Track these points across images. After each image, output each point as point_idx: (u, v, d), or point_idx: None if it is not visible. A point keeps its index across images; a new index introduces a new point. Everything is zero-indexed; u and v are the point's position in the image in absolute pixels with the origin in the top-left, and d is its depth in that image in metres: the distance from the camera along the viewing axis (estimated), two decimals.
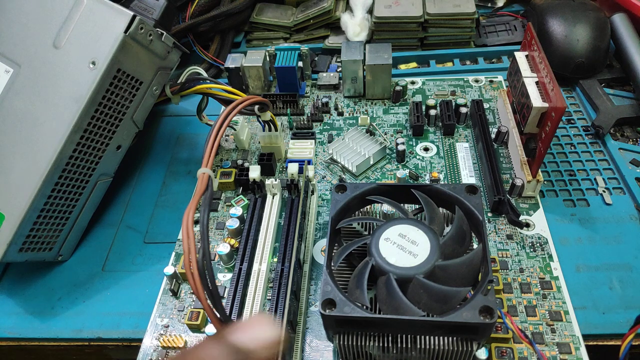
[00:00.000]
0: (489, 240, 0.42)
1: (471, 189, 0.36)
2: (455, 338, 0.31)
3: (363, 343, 0.31)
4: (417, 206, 0.38)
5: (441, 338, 0.31)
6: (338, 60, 0.63)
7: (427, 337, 0.31)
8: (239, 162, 0.50)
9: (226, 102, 0.46)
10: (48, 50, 0.40)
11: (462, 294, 0.30)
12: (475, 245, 0.36)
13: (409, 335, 0.31)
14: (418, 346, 0.31)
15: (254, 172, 0.44)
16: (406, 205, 0.38)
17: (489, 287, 0.30)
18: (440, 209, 0.37)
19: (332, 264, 0.34)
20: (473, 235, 0.35)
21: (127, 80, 0.42)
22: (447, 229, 0.35)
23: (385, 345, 0.31)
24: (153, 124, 0.57)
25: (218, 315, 0.27)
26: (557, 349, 0.35)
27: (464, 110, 0.51)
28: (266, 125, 0.48)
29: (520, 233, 0.42)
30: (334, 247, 0.36)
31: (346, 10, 0.64)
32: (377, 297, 0.32)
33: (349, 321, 0.30)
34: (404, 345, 0.31)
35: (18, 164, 0.40)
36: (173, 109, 0.59)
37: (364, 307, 0.31)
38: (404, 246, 0.33)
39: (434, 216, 0.35)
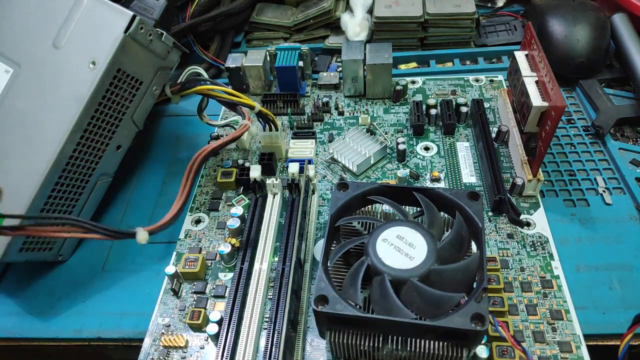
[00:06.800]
0: (489, 239, 0.42)
1: (473, 195, 0.35)
2: (445, 343, 0.31)
3: (354, 341, 0.31)
4: (418, 209, 0.38)
5: (431, 342, 0.31)
6: (338, 60, 0.63)
7: (418, 340, 0.31)
8: (240, 161, 0.50)
9: (226, 103, 0.46)
10: (48, 50, 0.40)
11: (455, 300, 0.30)
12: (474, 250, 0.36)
13: (399, 337, 0.31)
14: (408, 348, 0.31)
15: (255, 172, 0.44)
16: (407, 208, 0.38)
17: (482, 295, 0.30)
18: (441, 212, 0.37)
19: (329, 262, 0.34)
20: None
21: (127, 80, 0.42)
22: (447, 234, 0.35)
23: (376, 345, 0.31)
24: (153, 124, 0.57)
25: None
26: (557, 348, 0.35)
27: (464, 109, 0.51)
28: (267, 125, 0.48)
29: (521, 232, 0.42)
30: (332, 245, 0.36)
31: (346, 10, 0.64)
32: (371, 297, 0.32)
33: (340, 318, 0.30)
34: (395, 347, 0.31)
35: (18, 164, 0.40)
36: (173, 109, 0.59)
37: (357, 305, 0.31)
38: (401, 248, 0.33)
39: (434, 220, 0.35)
